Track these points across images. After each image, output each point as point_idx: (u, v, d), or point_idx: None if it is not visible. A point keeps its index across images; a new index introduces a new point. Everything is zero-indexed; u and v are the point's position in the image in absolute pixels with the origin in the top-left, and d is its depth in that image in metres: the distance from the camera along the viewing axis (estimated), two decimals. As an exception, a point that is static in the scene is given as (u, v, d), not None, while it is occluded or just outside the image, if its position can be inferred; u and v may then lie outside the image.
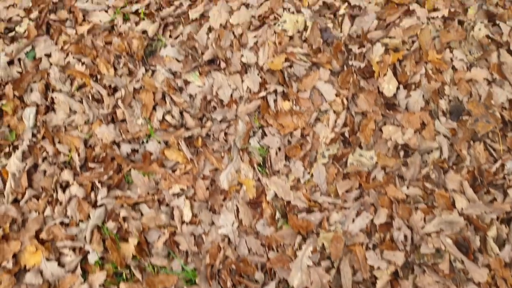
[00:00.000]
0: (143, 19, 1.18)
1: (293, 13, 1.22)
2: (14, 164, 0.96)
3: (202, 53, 1.16)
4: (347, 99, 1.13)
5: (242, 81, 1.14)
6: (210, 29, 1.20)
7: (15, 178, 0.96)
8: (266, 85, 1.13)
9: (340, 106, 1.12)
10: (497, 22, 1.21)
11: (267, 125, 1.10)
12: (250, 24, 1.21)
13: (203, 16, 1.21)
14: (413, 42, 1.19)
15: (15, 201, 0.96)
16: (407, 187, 1.04)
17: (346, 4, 1.21)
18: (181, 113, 1.08)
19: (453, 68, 1.16)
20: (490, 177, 1.04)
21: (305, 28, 1.21)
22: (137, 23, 1.18)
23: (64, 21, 1.16)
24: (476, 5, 1.22)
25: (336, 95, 1.13)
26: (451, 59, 1.17)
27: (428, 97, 1.14)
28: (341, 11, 1.20)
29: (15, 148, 1.01)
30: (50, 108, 1.06)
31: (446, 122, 1.11)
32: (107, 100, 1.05)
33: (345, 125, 1.10)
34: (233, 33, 1.20)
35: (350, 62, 1.15)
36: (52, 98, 1.06)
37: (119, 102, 1.05)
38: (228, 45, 1.18)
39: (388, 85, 1.14)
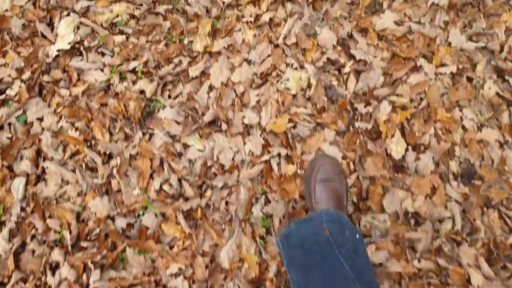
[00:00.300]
0: (141, 78, 1.14)
1: (296, 69, 1.18)
2: (0, 245, 0.90)
3: (203, 114, 1.11)
4: (354, 162, 1.08)
5: (244, 143, 1.09)
6: (211, 88, 1.15)
7: (0, 260, 0.89)
8: (269, 147, 1.08)
9: (346, 170, 1.07)
10: (507, 78, 1.17)
11: (271, 191, 1.04)
12: (252, 82, 1.17)
13: (204, 74, 1.17)
14: (421, 99, 1.15)
15: (1, 285, 0.90)
16: (419, 261, 0.98)
17: (352, 61, 1.17)
18: (179, 181, 1.02)
19: (463, 127, 1.12)
20: (507, 250, 0.98)
21: (309, 86, 1.16)
22: (134, 82, 1.13)
23: (58, 81, 1.11)
24: (485, 60, 1.19)
25: (343, 158, 1.08)
26: (461, 118, 1.13)
27: (438, 158, 1.09)
28: (347, 69, 1.16)
29: (2, 224, 0.94)
30: (41, 178, 1.01)
31: (457, 186, 1.06)
32: (101, 170, 1.00)
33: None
34: (235, 91, 1.15)
35: (356, 124, 1.10)
36: (43, 168, 1.00)
37: (114, 172, 1.00)
38: (229, 104, 1.13)
39: (396, 146, 1.09)
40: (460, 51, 1.21)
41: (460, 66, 1.17)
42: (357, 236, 0.79)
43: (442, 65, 1.20)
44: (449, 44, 1.21)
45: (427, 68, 1.18)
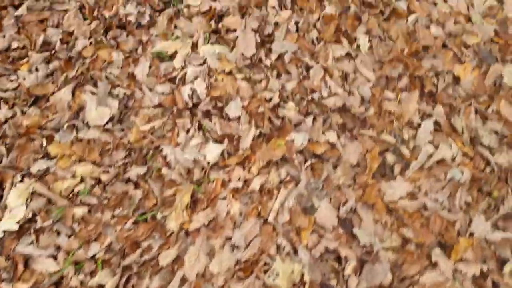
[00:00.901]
0: (101, 269, 0.95)
1: (288, 254, 0.99)
2: None
3: (171, 322, 0.92)
4: None
5: None
6: (183, 281, 0.97)
7: None
8: None
9: None
10: (540, 279, 0.98)
11: None
12: (234, 273, 0.98)
13: (177, 259, 0.98)
14: (436, 308, 0.97)
15: None
16: None
17: (354, 259, 0.98)
18: None
19: None
20: None
21: (302, 281, 0.97)
22: (92, 274, 0.95)
23: (0, 273, 0.93)
24: (513, 257, 1.00)
25: None
26: None
27: None
28: (348, 270, 0.97)
29: None
30: None
31: None
32: None
33: None
34: (212, 285, 0.97)
35: None
36: None
37: None
38: (204, 306, 0.94)
39: None
40: (484, 242, 1.03)
41: (484, 267, 0.98)
42: None
43: (462, 260, 1.01)
44: (471, 234, 1.03)
45: (443, 265, 0.99)
